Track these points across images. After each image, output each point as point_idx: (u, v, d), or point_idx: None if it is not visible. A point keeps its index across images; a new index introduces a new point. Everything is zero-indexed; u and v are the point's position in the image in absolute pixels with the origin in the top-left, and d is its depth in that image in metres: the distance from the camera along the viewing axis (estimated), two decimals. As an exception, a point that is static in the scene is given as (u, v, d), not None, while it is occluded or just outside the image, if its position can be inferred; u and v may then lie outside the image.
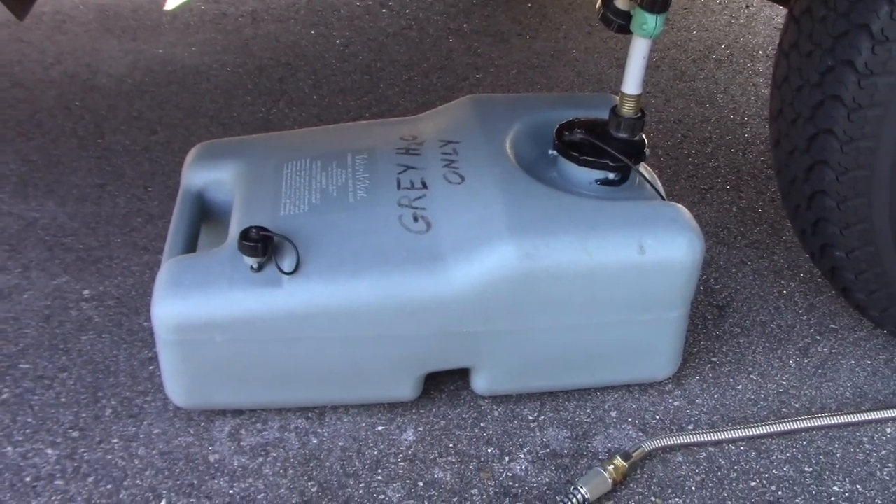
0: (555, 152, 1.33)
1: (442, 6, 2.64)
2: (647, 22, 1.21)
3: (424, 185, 1.28)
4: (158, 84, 2.16)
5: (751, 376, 1.39)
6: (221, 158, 1.39)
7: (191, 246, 1.29)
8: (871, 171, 1.23)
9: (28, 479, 1.18)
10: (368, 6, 2.61)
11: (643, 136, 1.33)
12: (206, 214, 1.38)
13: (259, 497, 1.17)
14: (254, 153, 1.39)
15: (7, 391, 1.31)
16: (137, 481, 1.18)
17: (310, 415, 1.29)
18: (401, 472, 1.21)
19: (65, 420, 1.27)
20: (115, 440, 1.24)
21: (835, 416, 1.31)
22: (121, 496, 1.16)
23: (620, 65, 2.33)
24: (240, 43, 2.38)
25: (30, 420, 1.26)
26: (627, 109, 1.30)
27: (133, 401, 1.30)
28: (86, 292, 1.50)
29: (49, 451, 1.22)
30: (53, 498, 1.15)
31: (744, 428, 1.27)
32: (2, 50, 2.28)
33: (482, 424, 1.29)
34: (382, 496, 1.18)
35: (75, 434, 1.24)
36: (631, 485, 1.20)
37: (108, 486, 1.17)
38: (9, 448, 1.22)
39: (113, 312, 1.46)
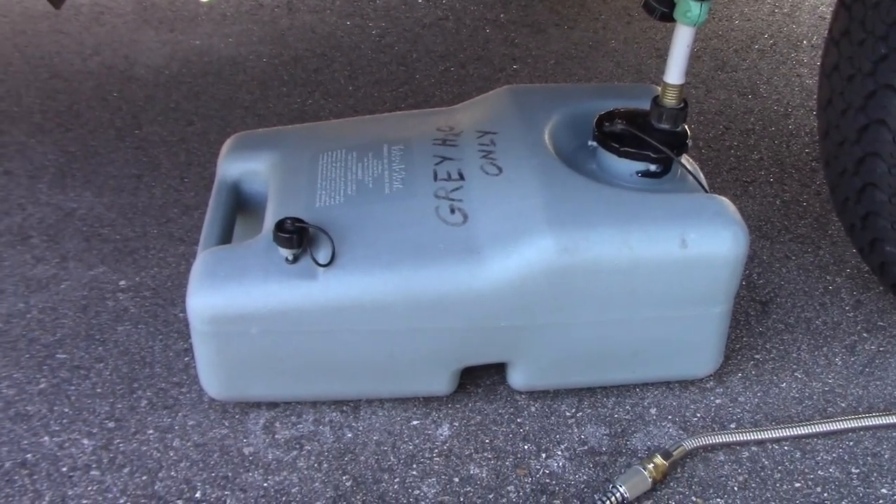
0: (594, 143, 1.30)
1: (479, -4, 2.61)
2: (692, 9, 1.18)
3: (461, 177, 1.26)
4: (195, 75, 2.16)
5: (795, 374, 1.36)
6: (257, 149, 1.38)
7: (226, 237, 1.28)
8: (924, 163, 1.19)
9: (64, 469, 1.18)
10: (404, -4, 2.60)
11: (685, 126, 1.30)
12: (242, 205, 1.38)
13: (293, 490, 1.16)
14: (289, 144, 1.38)
15: (44, 381, 1.31)
16: (172, 473, 1.18)
17: (344, 408, 1.28)
18: (436, 467, 1.19)
19: (101, 410, 1.27)
20: (151, 431, 1.24)
21: (883, 415, 1.27)
22: (156, 487, 1.16)
23: (660, 55, 2.29)
24: (276, 34, 2.37)
25: (66, 410, 1.27)
26: (670, 99, 1.26)
27: (168, 392, 1.30)
28: (122, 283, 1.50)
29: (85, 441, 1.22)
30: (89, 488, 1.15)
31: (788, 427, 1.24)
32: (41, 41, 2.30)
33: (519, 420, 1.27)
34: (417, 491, 1.16)
35: (111, 424, 1.25)
36: (671, 484, 1.18)
37: (144, 478, 1.17)
38: (46, 438, 1.22)
39: (149, 303, 1.46)
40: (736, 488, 1.17)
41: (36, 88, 2.08)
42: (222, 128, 1.94)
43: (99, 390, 1.30)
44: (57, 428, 1.24)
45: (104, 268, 1.53)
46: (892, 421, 1.26)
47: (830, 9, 2.54)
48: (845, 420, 1.26)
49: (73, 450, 1.21)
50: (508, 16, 2.50)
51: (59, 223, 1.64)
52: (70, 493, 1.15)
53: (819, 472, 1.20)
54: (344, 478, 1.18)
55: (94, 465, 1.19)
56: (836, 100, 1.27)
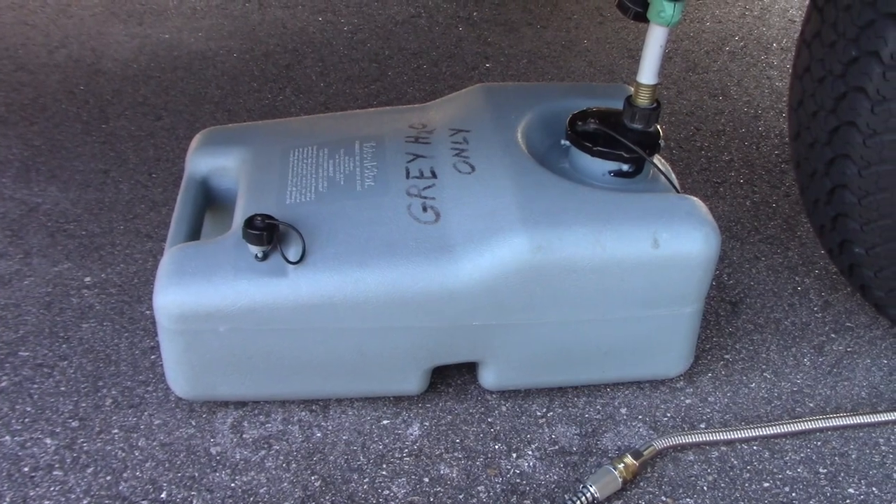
0: (567, 142, 1.30)
1: (452, -6, 2.61)
2: (665, 9, 1.18)
3: (434, 175, 1.25)
4: (164, 69, 2.13)
5: (764, 374, 1.37)
6: (226, 145, 1.36)
7: (194, 233, 1.26)
8: (894, 165, 1.20)
9: (26, 469, 1.15)
10: (377, -7, 2.58)
11: (658, 127, 1.30)
12: (211, 201, 1.36)
13: (261, 491, 1.14)
14: (259, 140, 1.36)
15: (6, 379, 1.28)
16: (137, 473, 1.16)
17: (314, 407, 1.26)
18: (406, 467, 1.18)
19: (64, 409, 1.24)
20: (116, 430, 1.21)
21: (850, 416, 1.28)
22: (120, 488, 1.14)
23: (632, 55, 2.30)
24: (247, 29, 2.35)
25: (29, 409, 1.24)
26: (643, 99, 1.26)
27: (134, 390, 1.28)
28: (87, 279, 1.47)
29: (48, 440, 1.20)
30: (52, 489, 1.13)
31: (757, 427, 1.25)
32: (6, 33, 2.25)
33: (489, 420, 1.26)
34: (387, 492, 1.15)
35: (75, 424, 1.22)
36: (641, 484, 1.18)
37: (108, 478, 1.15)
38: (7, 437, 1.20)
39: (114, 300, 1.43)
40: (705, 488, 1.18)
41: (0, 81, 2.03)
42: (191, 123, 1.92)
43: (63, 389, 1.27)
44: (19, 427, 1.21)
45: (69, 264, 1.50)
46: (859, 421, 1.27)
47: (800, 12, 2.56)
48: (813, 420, 1.27)
49: (35, 449, 1.18)
50: (481, 14, 2.50)
51: (22, 218, 1.61)
52: (32, 493, 1.12)
53: (787, 471, 1.21)
54: (313, 478, 1.16)
55: (56, 465, 1.16)
56: (807, 101, 1.27)
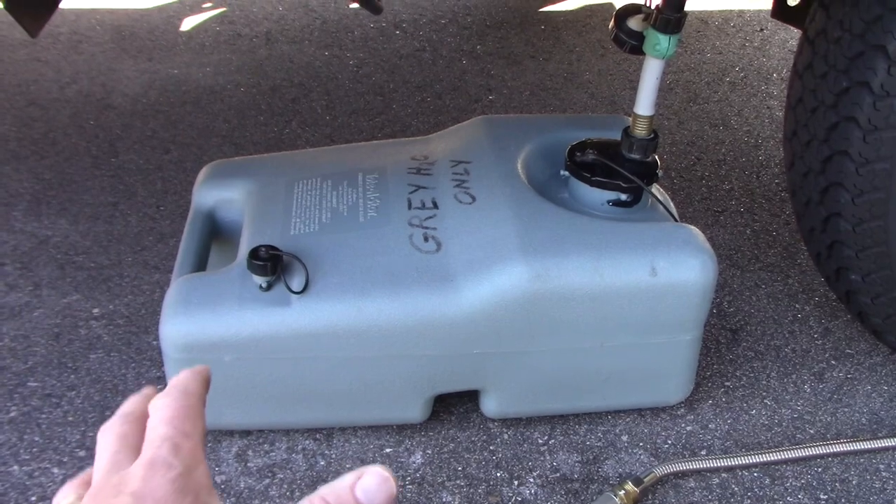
0: (566, 173, 1.32)
1: (455, 28, 2.65)
2: (660, 42, 1.21)
3: (435, 205, 1.28)
4: (173, 104, 2.17)
5: (765, 401, 1.37)
6: (232, 177, 1.39)
7: (201, 265, 1.28)
8: (887, 193, 1.21)
9: (34, 498, 1.17)
10: (382, 28, 2.62)
11: (656, 157, 1.32)
12: (217, 233, 1.38)
13: (265, 519, 1.15)
14: (264, 172, 1.39)
15: (15, 409, 1.30)
16: (143, 501, 1.17)
17: (317, 436, 1.28)
18: (409, 495, 1.19)
19: (72, 439, 1.26)
20: (122, 460, 1.23)
21: (851, 442, 1.28)
22: (126, 516, 1.15)
23: (634, 87, 2.32)
24: (254, 63, 2.39)
25: (37, 438, 1.26)
26: (640, 130, 1.29)
27: (140, 420, 1.29)
28: (96, 311, 1.50)
29: (55, 470, 1.21)
30: (58, 517, 1.14)
31: (757, 454, 1.25)
32: (19, 69, 2.30)
33: (491, 447, 1.27)
34: (390, 519, 1.16)
35: (82, 453, 1.24)
36: (642, 511, 1.18)
37: (114, 506, 1.16)
38: (15, 467, 1.21)
39: (122, 331, 1.45)
40: (706, 515, 1.18)
41: (12, 116, 2.08)
42: (199, 156, 1.95)
43: (70, 419, 1.29)
44: (27, 457, 1.23)
45: (78, 295, 1.53)
46: (859, 447, 1.28)
47: (799, 43, 2.59)
48: (814, 447, 1.27)
49: (42, 479, 1.20)
50: (485, 47, 2.54)
51: (33, 251, 1.63)
52: (39, 522, 1.14)
53: (788, 498, 1.21)
54: (316, 506, 1.17)
55: (63, 494, 1.17)
56: (800, 131, 1.29)
